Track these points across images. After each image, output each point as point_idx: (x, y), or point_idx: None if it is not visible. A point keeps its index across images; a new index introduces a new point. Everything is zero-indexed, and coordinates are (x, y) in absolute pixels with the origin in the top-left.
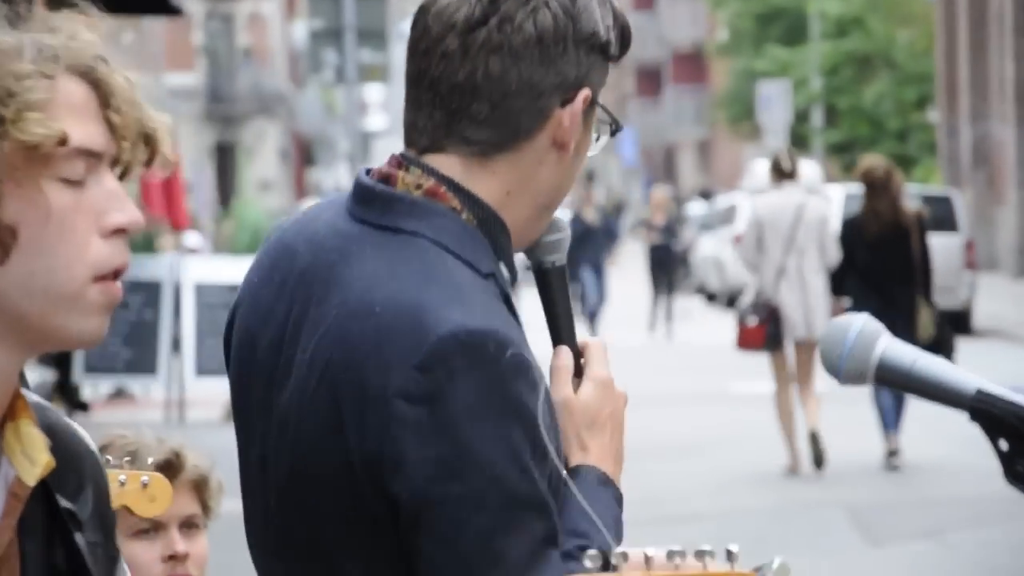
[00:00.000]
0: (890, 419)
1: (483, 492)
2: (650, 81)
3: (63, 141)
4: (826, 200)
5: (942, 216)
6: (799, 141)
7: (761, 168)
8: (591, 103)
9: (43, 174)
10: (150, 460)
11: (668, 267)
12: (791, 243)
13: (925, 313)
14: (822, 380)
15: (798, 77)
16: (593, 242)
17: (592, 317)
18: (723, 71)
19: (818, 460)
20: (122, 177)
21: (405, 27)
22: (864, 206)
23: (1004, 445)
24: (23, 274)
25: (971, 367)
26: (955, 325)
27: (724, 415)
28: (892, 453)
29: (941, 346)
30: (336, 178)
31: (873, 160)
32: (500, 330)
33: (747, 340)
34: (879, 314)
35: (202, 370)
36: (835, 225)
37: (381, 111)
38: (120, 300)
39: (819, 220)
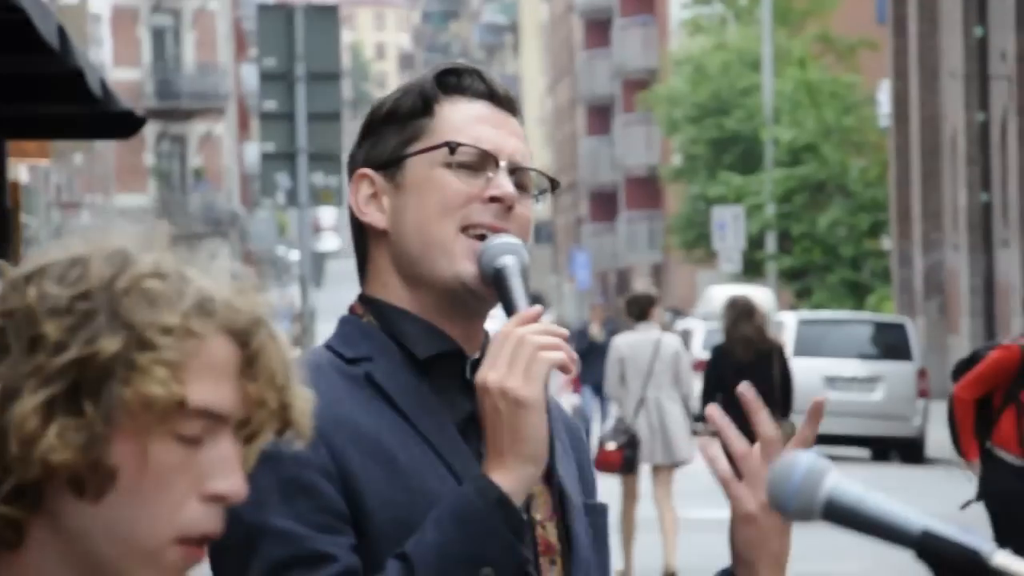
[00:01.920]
0: None
1: (230, 536)
2: (604, 205)
3: (182, 404)
4: (677, 337)
5: (895, 344)
6: (753, 267)
7: (716, 294)
8: (387, 169)
9: (157, 427)
10: None
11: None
12: (649, 376)
13: (786, 430)
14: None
15: (752, 203)
16: (598, 359)
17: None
18: (677, 196)
19: None
20: (248, 441)
21: None
22: (731, 333)
23: None
24: (110, 518)
25: (924, 496)
26: (908, 453)
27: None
28: None
29: None
30: (289, 299)
31: (740, 295)
32: None
33: (605, 463)
34: (743, 432)
35: None
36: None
37: (334, 233)
38: (199, 562)
39: (674, 354)
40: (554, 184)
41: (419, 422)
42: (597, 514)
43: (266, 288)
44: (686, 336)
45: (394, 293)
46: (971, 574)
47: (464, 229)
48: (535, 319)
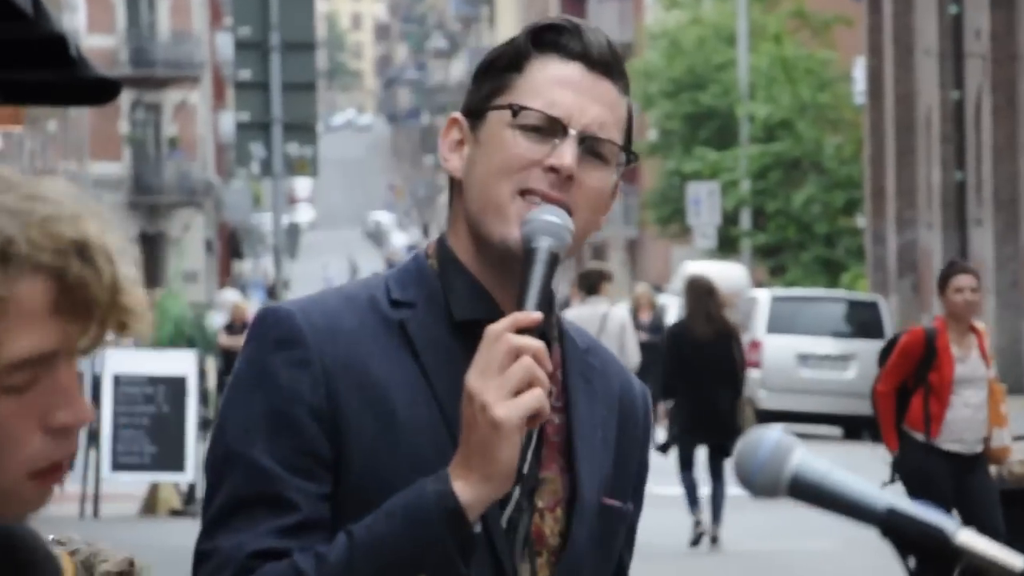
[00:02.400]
0: (693, 494)
1: (213, 450)
2: None
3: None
4: (624, 311)
5: (869, 322)
6: (728, 243)
7: (691, 270)
8: (473, 118)
9: None
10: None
11: (656, 367)
12: None
13: (747, 408)
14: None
15: (727, 179)
16: None
17: None
18: (652, 171)
19: None
20: (86, 351)
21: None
22: (690, 312)
23: (912, 563)
24: None
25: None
26: (878, 431)
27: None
28: (702, 535)
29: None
30: (263, 269)
31: (698, 273)
32: (289, 309)
33: None
34: (704, 409)
35: (118, 464)
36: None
37: (309, 204)
38: (60, 483)
39: (620, 327)
40: (630, 158)
41: (438, 382)
42: (612, 517)
43: (83, 197)
44: (661, 311)
45: (462, 244)
46: (935, 551)
47: (521, 193)
48: (533, 324)
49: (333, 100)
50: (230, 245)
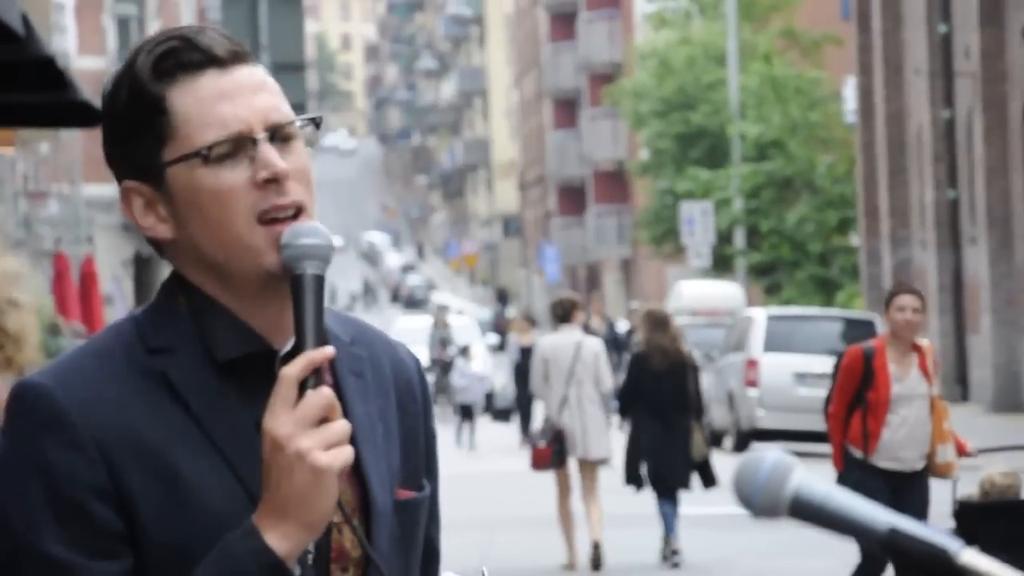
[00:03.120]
0: (671, 524)
1: None
2: (573, 199)
3: None
4: (598, 340)
5: (864, 340)
6: (722, 262)
7: (687, 289)
8: (149, 178)
9: None
10: None
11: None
12: (571, 376)
13: (699, 435)
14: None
15: (720, 198)
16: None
17: None
18: (645, 191)
19: (596, 564)
20: None
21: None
22: (648, 342)
23: None
24: None
25: None
26: None
27: (650, 537)
28: (674, 552)
29: (707, 464)
30: None
31: (653, 304)
32: (46, 386)
33: (539, 461)
34: (661, 435)
35: None
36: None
37: None
38: None
39: (594, 355)
40: (317, 121)
41: (213, 429)
42: (407, 511)
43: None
44: (618, 335)
45: (207, 280)
46: (938, 571)
47: (258, 219)
48: (326, 361)
49: (325, 120)
50: None
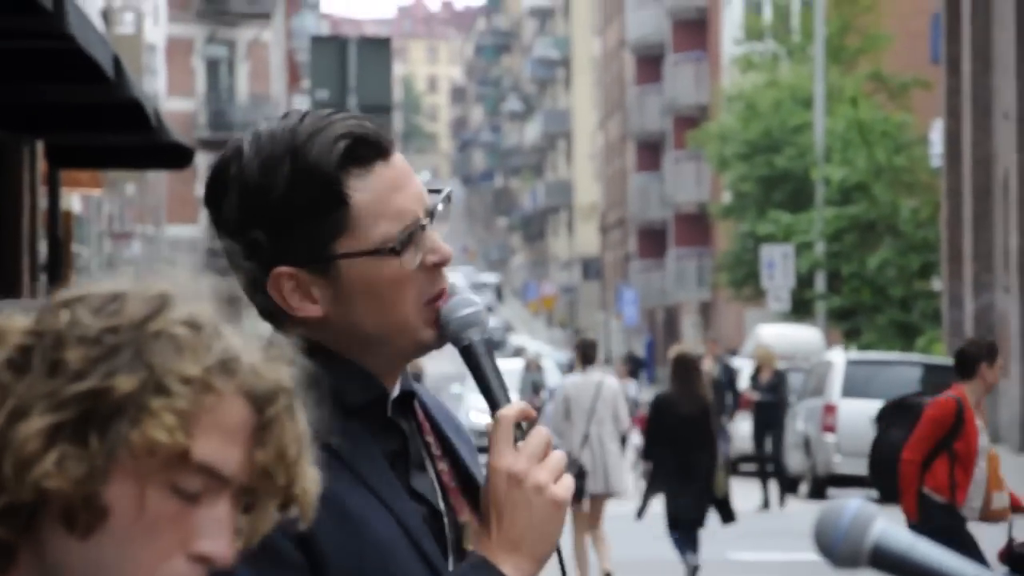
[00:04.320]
0: (683, 546)
1: None
2: (653, 242)
3: (186, 455)
4: (616, 380)
5: (945, 385)
6: (802, 306)
7: (766, 333)
8: (314, 266)
9: (158, 475)
10: None
11: (775, 425)
12: (592, 414)
13: (720, 475)
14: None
15: (801, 242)
16: (715, 398)
17: None
18: (726, 234)
19: None
20: (247, 510)
21: None
22: (676, 386)
23: None
24: (95, 558)
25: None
26: None
27: None
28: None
29: (727, 501)
30: None
31: (685, 347)
32: None
33: None
34: (682, 474)
35: None
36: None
37: None
38: None
39: (613, 395)
40: (449, 195)
41: (355, 465)
42: None
43: (296, 361)
44: (733, 374)
45: (340, 345)
46: None
47: (426, 301)
48: (523, 416)
49: (409, 162)
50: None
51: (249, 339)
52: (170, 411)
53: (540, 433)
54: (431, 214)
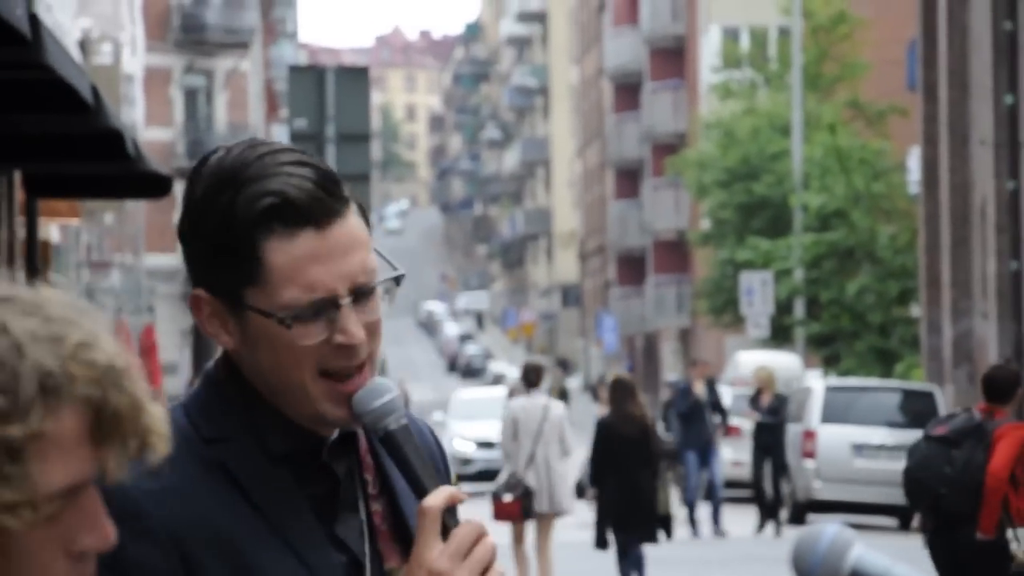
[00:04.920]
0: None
1: None
2: (632, 269)
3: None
4: (561, 404)
5: (924, 412)
6: (781, 332)
7: (745, 359)
8: (225, 300)
9: (14, 524)
10: None
11: (776, 447)
12: (539, 436)
13: (663, 493)
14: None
15: (780, 268)
16: (701, 420)
17: (691, 507)
18: (705, 261)
19: None
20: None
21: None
22: (616, 410)
23: None
24: None
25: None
26: None
27: None
28: None
29: (668, 518)
30: None
31: (622, 374)
32: (136, 497)
33: (503, 513)
34: (628, 494)
35: None
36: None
37: None
38: None
39: (559, 419)
40: (399, 279)
41: (274, 515)
42: None
43: (100, 314)
44: (783, 397)
45: (258, 382)
46: None
47: (322, 374)
48: (452, 500)
49: (387, 191)
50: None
51: (48, 324)
52: (8, 491)
53: (468, 529)
54: (356, 293)
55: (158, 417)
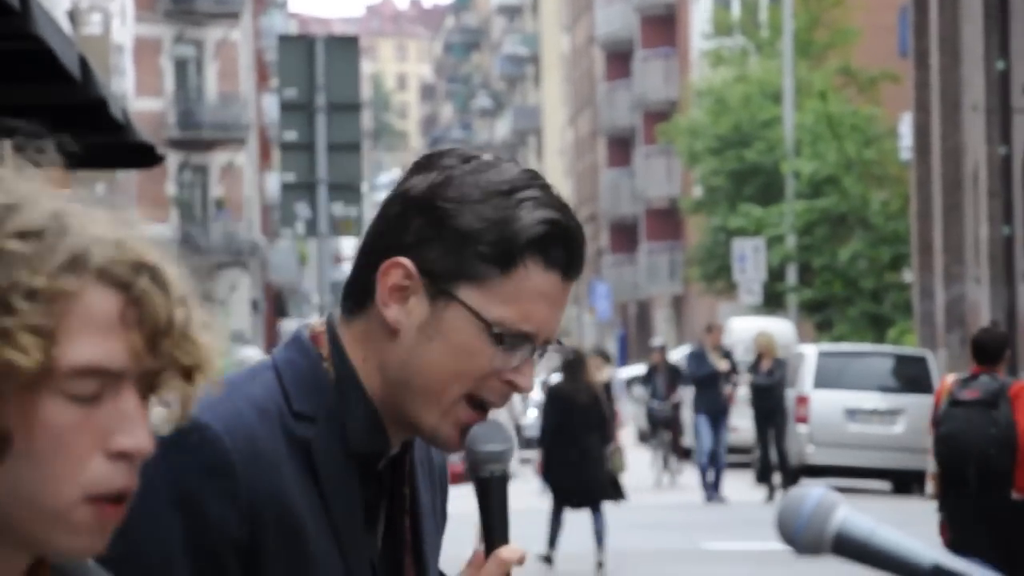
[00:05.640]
0: (601, 537)
1: (123, 568)
2: (625, 237)
3: (58, 366)
4: None
5: (917, 377)
6: (773, 299)
7: (738, 326)
8: (431, 283)
9: (43, 389)
10: None
11: (778, 411)
12: None
13: (617, 454)
14: None
15: (772, 235)
16: (715, 386)
17: (704, 471)
18: (697, 228)
19: None
20: (153, 390)
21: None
22: (567, 378)
23: None
24: (12, 480)
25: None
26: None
27: (698, 574)
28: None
29: (618, 483)
30: None
31: (574, 348)
32: (216, 432)
33: (452, 476)
34: (581, 458)
35: None
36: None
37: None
38: (116, 523)
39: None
40: (544, 351)
41: (336, 509)
42: None
43: (144, 224)
44: (783, 361)
45: (367, 370)
46: None
47: (469, 397)
48: (520, 561)
49: (379, 160)
50: (276, 305)
51: (97, 217)
52: (23, 330)
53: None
54: (545, 347)
55: (206, 342)
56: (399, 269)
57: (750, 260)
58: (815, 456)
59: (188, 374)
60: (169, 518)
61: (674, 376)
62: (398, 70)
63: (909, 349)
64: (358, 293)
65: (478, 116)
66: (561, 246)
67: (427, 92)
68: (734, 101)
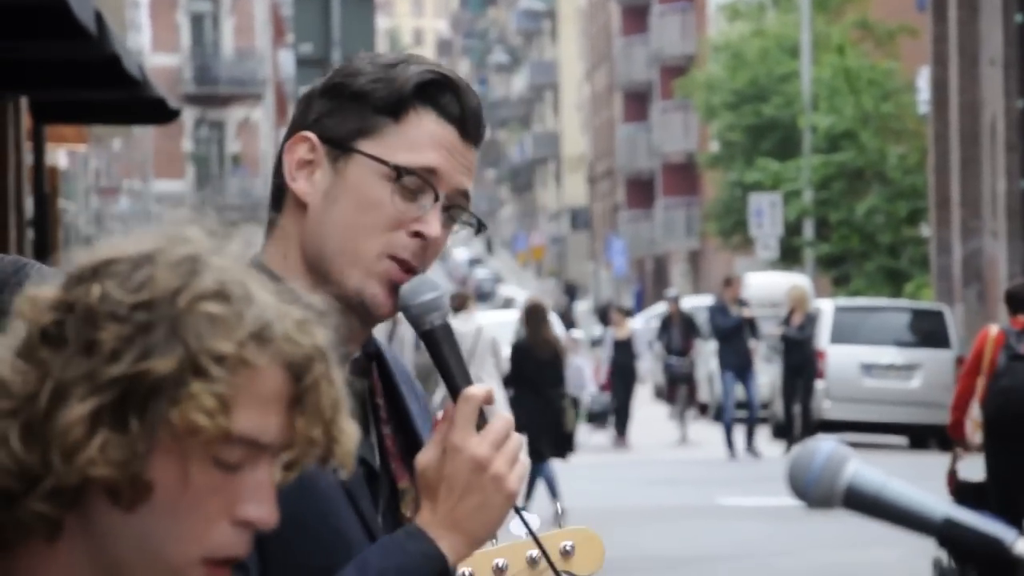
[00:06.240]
0: (555, 487)
1: None
2: (641, 192)
3: (227, 434)
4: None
5: (934, 331)
6: (790, 254)
7: (754, 281)
8: (333, 147)
9: (199, 451)
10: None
11: (804, 371)
12: (471, 357)
13: (570, 411)
14: None
15: (789, 190)
16: (739, 339)
17: (729, 428)
18: (714, 183)
19: None
20: (288, 468)
21: None
22: (530, 333)
23: (972, 574)
24: (141, 530)
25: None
26: (946, 441)
27: (713, 529)
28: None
29: (571, 438)
30: None
31: (534, 299)
32: None
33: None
34: (540, 411)
35: None
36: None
37: None
38: None
39: (492, 340)
40: (480, 227)
41: None
42: None
43: (329, 318)
44: (815, 314)
45: (288, 266)
46: (993, 561)
47: (385, 253)
48: (489, 400)
49: None
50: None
51: (281, 296)
52: (209, 394)
53: (503, 420)
54: (449, 206)
55: (351, 435)
56: (303, 143)
57: (767, 215)
58: (831, 411)
59: (324, 459)
60: None
61: (689, 328)
62: (414, 25)
63: (926, 304)
64: (274, 194)
65: (494, 71)
66: (450, 95)
67: (444, 47)
68: (751, 55)
